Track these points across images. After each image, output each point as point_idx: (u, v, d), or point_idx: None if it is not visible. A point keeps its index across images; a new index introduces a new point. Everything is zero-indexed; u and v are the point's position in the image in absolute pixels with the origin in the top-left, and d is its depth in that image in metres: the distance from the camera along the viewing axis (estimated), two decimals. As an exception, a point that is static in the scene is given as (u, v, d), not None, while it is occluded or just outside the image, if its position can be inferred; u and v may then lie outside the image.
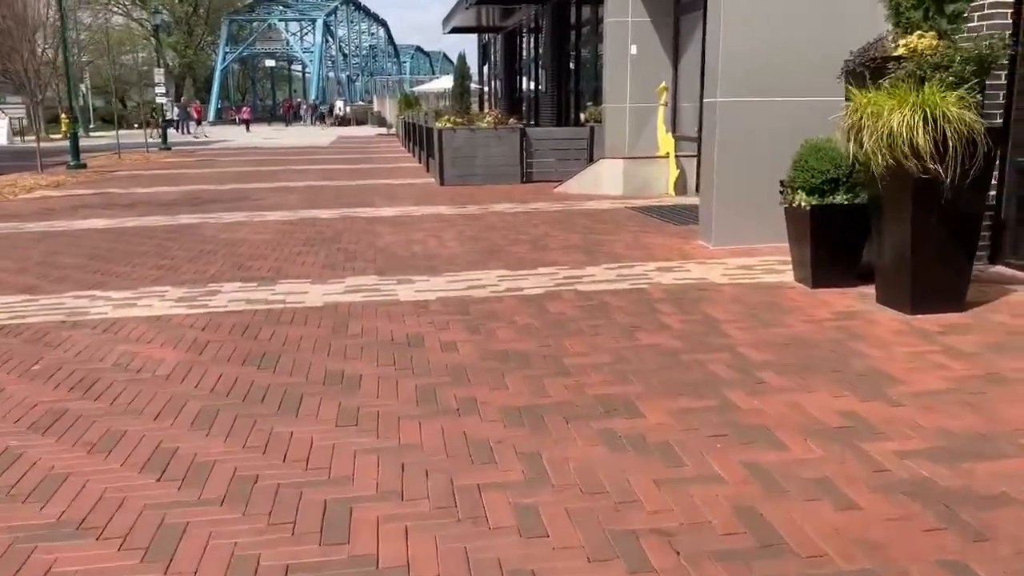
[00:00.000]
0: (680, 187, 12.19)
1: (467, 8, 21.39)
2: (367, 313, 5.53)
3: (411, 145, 23.31)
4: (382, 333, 5.06)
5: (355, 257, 7.59)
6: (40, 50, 42.00)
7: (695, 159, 12.29)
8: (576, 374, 4.20)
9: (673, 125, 12.85)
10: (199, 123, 44.41)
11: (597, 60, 18.03)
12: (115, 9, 65.59)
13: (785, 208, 6.12)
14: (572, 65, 20.45)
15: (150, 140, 30.73)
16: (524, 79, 27.09)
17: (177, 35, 67.92)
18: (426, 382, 4.15)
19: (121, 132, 30.90)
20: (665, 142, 12.34)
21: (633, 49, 13.02)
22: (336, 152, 26.08)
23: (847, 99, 5.58)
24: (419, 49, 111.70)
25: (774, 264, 6.81)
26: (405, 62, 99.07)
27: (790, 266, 6.39)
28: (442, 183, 14.20)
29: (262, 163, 21.32)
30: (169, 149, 29.03)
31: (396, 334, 5.03)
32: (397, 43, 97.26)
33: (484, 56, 34.59)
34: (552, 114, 21.06)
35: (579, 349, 4.62)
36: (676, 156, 12.16)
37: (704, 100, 7.80)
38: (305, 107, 61.35)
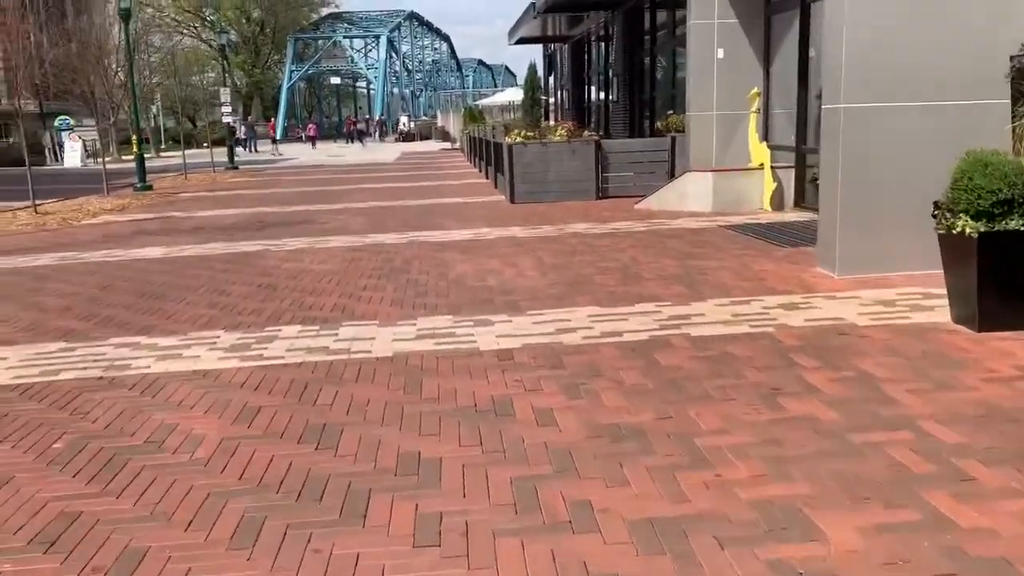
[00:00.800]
0: (776, 201, 11.11)
1: (535, 17, 20.63)
2: (443, 367, 4.70)
3: (477, 160, 22.64)
4: (462, 395, 4.21)
5: (426, 291, 6.79)
6: (112, 73, 42.97)
7: (792, 171, 11.22)
8: (716, 463, 3.26)
9: (764, 133, 11.78)
10: (273, 141, 44.69)
11: (675, 67, 17.03)
12: (184, 31, 67.19)
13: (941, 234, 5.07)
14: (646, 73, 19.48)
15: (217, 159, 30.85)
16: (592, 89, 26.19)
17: (244, 54, 69.17)
18: (523, 473, 3.27)
19: (190, 151, 31.16)
20: (759, 152, 11.28)
21: (720, 53, 12.00)
22: (401, 169, 25.60)
23: (1018, 102, 4.52)
24: (481, 63, 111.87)
25: (917, 298, 5.75)
26: (468, 76, 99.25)
27: (940, 301, 5.34)
28: (512, 200, 13.39)
29: (326, 182, 20.89)
30: (236, 168, 29.01)
31: (479, 397, 4.17)
32: (459, 57, 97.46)
33: (550, 66, 33.82)
34: (624, 125, 20.10)
35: (711, 423, 3.68)
36: (772, 167, 11.09)
37: (824, 106, 6.78)
38: (373, 123, 61.56)
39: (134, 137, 47.31)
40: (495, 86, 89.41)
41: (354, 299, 6.63)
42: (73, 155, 37.37)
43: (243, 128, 50.15)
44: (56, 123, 45.39)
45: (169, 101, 56.94)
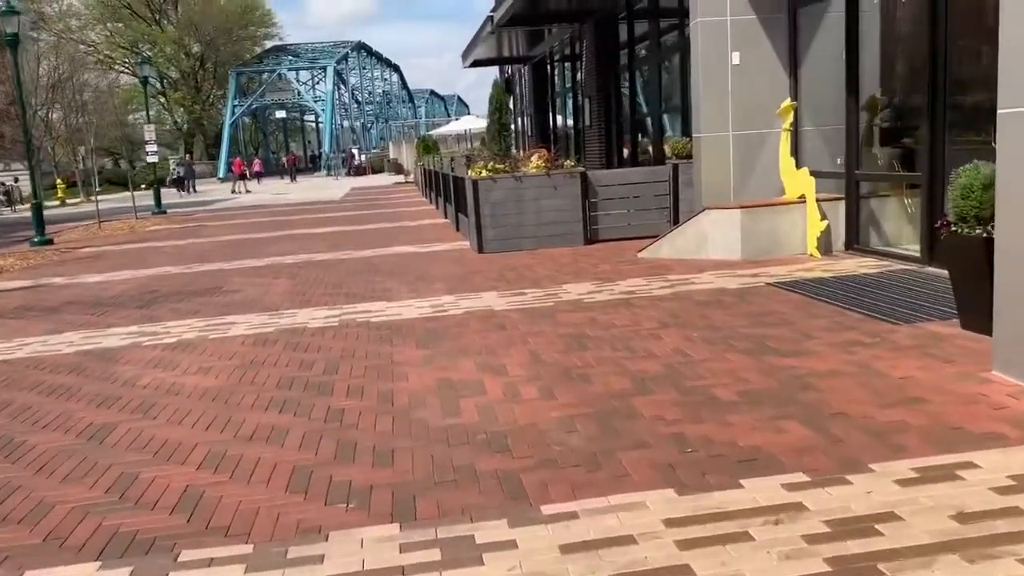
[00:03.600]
0: (823, 244, 8.57)
1: (492, 32, 18.11)
2: None
3: (433, 196, 19.94)
4: None
5: (354, 442, 4.01)
6: (30, 112, 39.54)
7: (840, 204, 8.71)
8: None
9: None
10: (241, 178, 41.49)
11: (660, 83, 14.58)
12: (120, 68, 63.71)
13: None
14: (623, 93, 17.03)
15: (142, 204, 27.70)
16: (557, 114, 23.73)
17: (184, 91, 65.88)
18: None
19: (121, 195, 27.95)
20: (798, 181, 8.76)
21: (735, 58, 9.51)
22: (348, 208, 22.76)
23: None
24: (433, 93, 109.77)
25: None
26: (420, 107, 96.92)
27: None
28: (481, 249, 10.69)
29: (259, 227, 17.98)
30: (164, 213, 25.92)
31: None
32: (411, 88, 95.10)
33: (507, 91, 31.41)
34: (599, 153, 17.59)
35: None
36: (817, 200, 8.56)
37: (1000, 111, 4.18)
38: (327, 156, 58.63)
39: (59, 181, 43.41)
40: (448, 116, 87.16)
41: (224, 468, 3.80)
42: (-19, 204, 33.72)
43: (180, 168, 46.85)
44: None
45: (105, 142, 53.52)
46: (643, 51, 15.74)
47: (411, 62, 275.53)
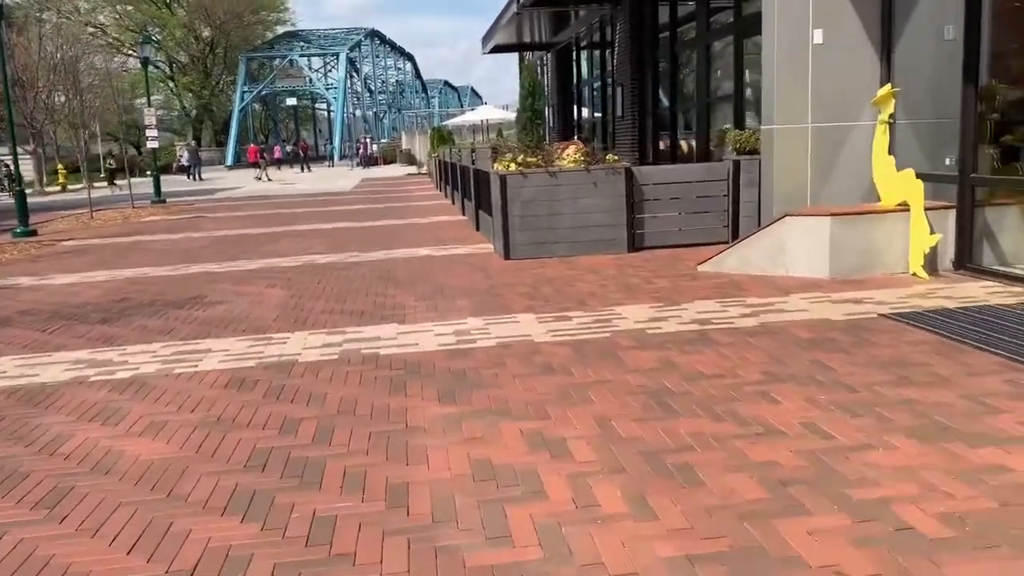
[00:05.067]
0: (929, 263, 7.06)
1: (518, 12, 16.58)
2: None
3: (449, 190, 18.47)
4: None
5: (353, 587, 2.56)
6: (32, 95, 38.15)
7: (950, 213, 7.20)
8: None
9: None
10: (258, 166, 39.97)
11: (710, 68, 13.04)
12: (128, 51, 62.31)
13: None
14: (661, 80, 15.49)
15: (139, 192, 26.35)
16: (583, 105, 22.18)
17: (193, 75, 64.52)
18: None
19: (131, 181, 26.52)
20: (899, 184, 7.25)
21: (817, 36, 8.01)
22: (358, 201, 21.30)
23: None
24: (447, 84, 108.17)
25: None
26: (434, 97, 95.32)
27: None
28: (508, 255, 9.22)
29: (260, 221, 16.54)
30: (163, 202, 24.50)
31: None
32: (424, 79, 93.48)
33: (527, 81, 29.87)
34: (631, 145, 16.07)
35: None
36: (925, 209, 7.05)
37: None
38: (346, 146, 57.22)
39: (60, 166, 42.11)
40: (462, 107, 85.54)
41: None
42: (-22, 189, 32.39)
43: (186, 154, 45.48)
44: (-32, 154, 40.73)
45: (111, 126, 52.23)
46: (688, 34, 14.19)
47: (424, 52, 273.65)
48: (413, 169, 40.10)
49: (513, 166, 9.29)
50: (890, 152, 7.65)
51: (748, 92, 11.57)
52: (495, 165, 9.56)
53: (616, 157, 9.29)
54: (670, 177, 9.47)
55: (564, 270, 8.34)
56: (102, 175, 48.62)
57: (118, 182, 41.77)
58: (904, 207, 7.16)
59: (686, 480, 3.18)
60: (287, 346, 5.77)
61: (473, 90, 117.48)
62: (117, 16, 65.09)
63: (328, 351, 5.56)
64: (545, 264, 8.77)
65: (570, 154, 9.44)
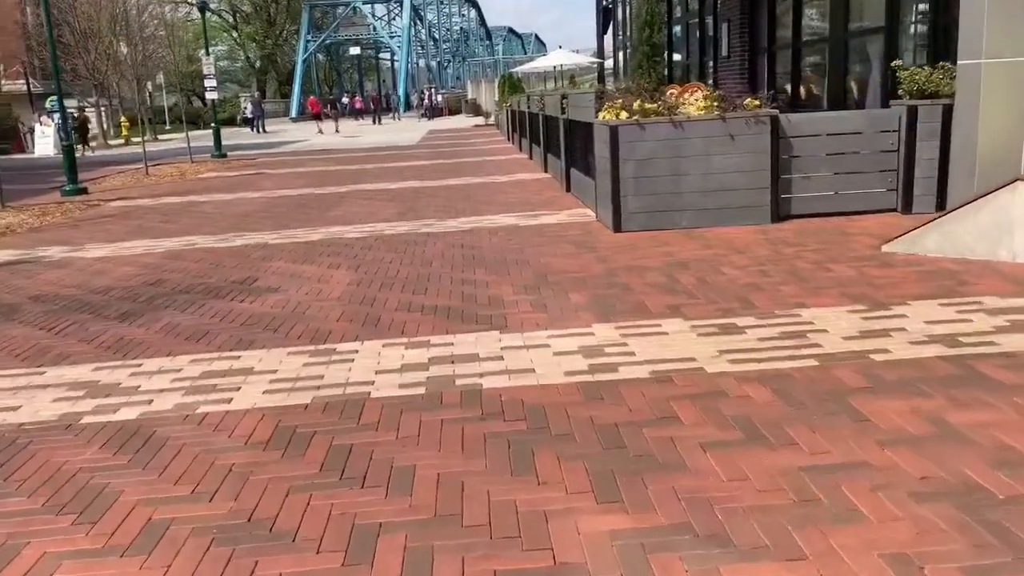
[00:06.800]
0: None
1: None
2: None
3: (526, 144, 16.66)
4: None
5: None
6: (95, 45, 37.29)
7: None
8: None
9: None
10: (316, 118, 38.98)
11: (849, -5, 10.83)
12: (193, 1, 61.36)
13: None
14: (780, 12, 13.27)
15: (202, 145, 25.28)
16: (675, 50, 19.91)
17: (256, 24, 63.38)
18: None
19: (179, 136, 25.50)
20: None
21: (1052, -67, 5.96)
22: (427, 155, 19.67)
23: None
24: (511, 31, 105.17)
25: None
26: (498, 45, 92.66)
27: None
28: (618, 227, 7.48)
29: (323, 179, 15.05)
30: (224, 157, 23.28)
31: None
32: (488, 26, 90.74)
33: (606, 22, 27.57)
34: (739, 92, 13.95)
35: None
36: None
37: None
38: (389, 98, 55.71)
39: (124, 120, 41.50)
40: (526, 55, 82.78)
41: None
42: (45, 141, 31.83)
43: (249, 106, 44.43)
44: (47, 104, 40.36)
45: (174, 78, 51.60)
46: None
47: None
48: (480, 120, 38.24)
49: (624, 114, 7.48)
50: None
51: (909, 24, 9.44)
52: (601, 114, 7.75)
53: (758, 101, 7.38)
54: (828, 128, 7.53)
55: (698, 248, 6.57)
56: (167, 127, 48.09)
57: (161, 137, 41.17)
58: None
59: None
60: (355, 367, 4.18)
61: (537, 37, 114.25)
62: (181, -36, 64.10)
63: (411, 379, 3.95)
64: (669, 239, 7.00)
65: (698, 99, 7.57)
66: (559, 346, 4.31)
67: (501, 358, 4.18)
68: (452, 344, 4.47)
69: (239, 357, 4.50)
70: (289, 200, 12.00)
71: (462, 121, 40.15)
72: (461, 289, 5.75)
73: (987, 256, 5.53)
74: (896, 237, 5.96)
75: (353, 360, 4.30)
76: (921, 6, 9.14)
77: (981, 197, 5.56)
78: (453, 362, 4.16)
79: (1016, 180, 5.40)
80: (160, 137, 43.19)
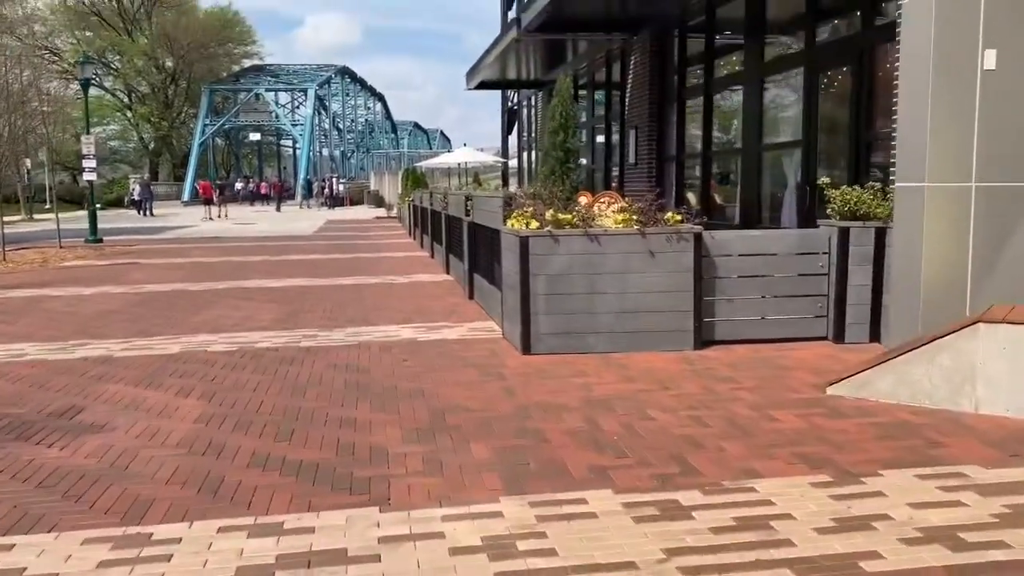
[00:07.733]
0: None
1: (518, 40, 14.19)
2: None
3: (428, 241, 15.82)
4: None
5: None
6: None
7: None
8: None
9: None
10: (207, 203, 37.14)
11: (762, 107, 10.64)
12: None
13: None
14: (690, 121, 13.09)
15: (73, 227, 23.37)
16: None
17: (152, 105, 61.42)
18: None
19: (68, 215, 23.44)
20: None
21: (990, 59, 5.62)
22: (321, 248, 18.53)
23: None
24: (417, 126, 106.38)
25: None
26: (403, 139, 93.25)
27: None
28: (527, 349, 6.57)
29: (202, 272, 13.68)
30: (99, 242, 21.40)
31: None
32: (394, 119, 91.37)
33: (511, 122, 27.55)
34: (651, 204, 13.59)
35: None
36: None
37: None
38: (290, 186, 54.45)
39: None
40: (431, 150, 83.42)
41: None
42: None
43: (137, 188, 42.26)
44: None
45: (60, 156, 48.86)
46: (729, 67, 11.83)
47: (395, 95, 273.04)
48: (382, 212, 37.46)
49: (535, 224, 6.68)
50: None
51: (824, 138, 9.17)
52: (510, 222, 6.94)
53: (680, 216, 6.72)
54: (754, 247, 6.92)
55: (619, 381, 5.70)
56: (47, 206, 45.07)
57: (38, 216, 38.54)
58: None
59: None
60: (168, 573, 3.00)
61: (443, 133, 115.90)
62: (75, 41, 61.97)
63: (245, 598, 2.81)
64: (586, 366, 6.12)
65: (614, 212, 6.86)
66: (457, 537, 3.25)
67: (378, 558, 3.08)
68: (313, 530, 3.34)
69: (11, 548, 3.24)
70: (156, 297, 10.62)
71: (364, 212, 39.25)
72: (336, 434, 4.64)
73: (947, 405, 4.85)
74: (842, 379, 5.24)
75: (169, 560, 3.11)
76: (839, 121, 8.89)
77: (939, 338, 4.91)
78: (310, 565, 3.03)
79: (977, 322, 4.78)
80: (36, 217, 40.43)
